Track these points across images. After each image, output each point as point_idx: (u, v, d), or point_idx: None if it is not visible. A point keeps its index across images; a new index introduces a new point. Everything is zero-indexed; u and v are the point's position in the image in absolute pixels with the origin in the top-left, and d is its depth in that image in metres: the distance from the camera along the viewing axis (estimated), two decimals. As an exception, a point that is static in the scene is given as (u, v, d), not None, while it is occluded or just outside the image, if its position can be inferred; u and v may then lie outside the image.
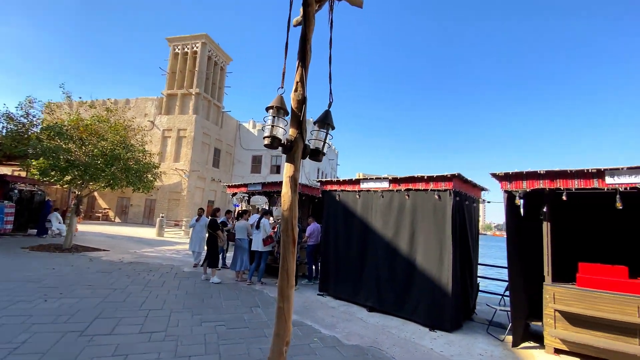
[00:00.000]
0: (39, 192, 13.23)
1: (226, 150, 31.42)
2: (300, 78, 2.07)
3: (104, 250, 10.61)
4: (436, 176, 5.15)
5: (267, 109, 2.12)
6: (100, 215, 26.75)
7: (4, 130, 9.30)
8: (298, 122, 2.07)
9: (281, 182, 7.25)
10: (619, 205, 3.70)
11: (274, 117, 2.08)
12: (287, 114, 2.16)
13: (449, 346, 4.33)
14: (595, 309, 4.01)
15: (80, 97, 10.55)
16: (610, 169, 3.79)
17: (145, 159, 11.41)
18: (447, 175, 5.04)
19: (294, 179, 2.05)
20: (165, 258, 10.07)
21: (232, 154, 32.47)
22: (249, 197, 10.11)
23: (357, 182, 6.21)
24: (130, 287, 6.18)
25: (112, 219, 26.90)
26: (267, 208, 8.68)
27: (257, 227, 7.25)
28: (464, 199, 5.50)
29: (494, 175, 4.67)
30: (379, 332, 4.67)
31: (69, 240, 10.09)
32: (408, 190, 5.51)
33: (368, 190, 6.06)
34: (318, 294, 6.59)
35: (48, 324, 3.94)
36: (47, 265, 7.51)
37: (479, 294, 6.28)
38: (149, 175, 11.35)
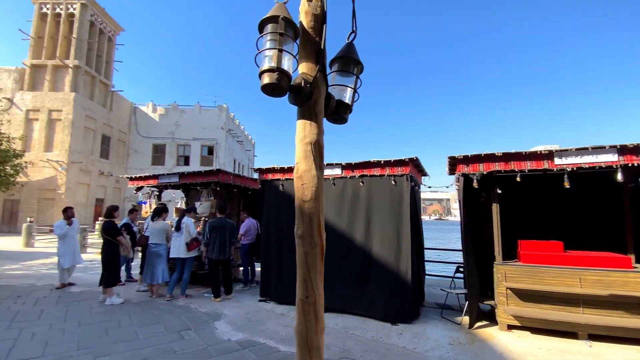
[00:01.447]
0: None
1: (118, 137, 26.40)
2: (320, -20, 1.24)
3: None
4: (393, 161, 4.82)
5: (264, 23, 1.20)
6: None
7: None
8: (317, 51, 1.24)
9: (204, 172, 5.93)
10: (566, 184, 3.93)
11: (280, 34, 1.17)
12: (297, 36, 1.28)
13: (418, 340, 4.07)
14: (543, 284, 4.27)
15: None
16: (559, 150, 4.01)
17: (1, 144, 8.31)
18: (404, 159, 4.76)
19: (318, 147, 1.23)
20: (40, 276, 7.55)
21: (126, 143, 27.47)
22: (160, 192, 8.31)
23: (305, 169, 5.49)
24: (-20, 328, 4.17)
25: (-54, 229, 19.79)
26: (189, 205, 7.18)
27: (178, 228, 5.85)
28: (415, 184, 5.36)
29: (452, 158, 4.57)
30: (342, 337, 4.12)
31: None
32: (362, 176, 5.06)
33: (317, 178, 5.40)
34: (260, 300, 5.69)
35: None
36: None
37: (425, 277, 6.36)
38: (8, 168, 8.32)
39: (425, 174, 6.22)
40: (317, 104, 1.25)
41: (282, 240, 5.62)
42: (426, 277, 6.42)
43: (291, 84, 1.22)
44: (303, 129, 1.26)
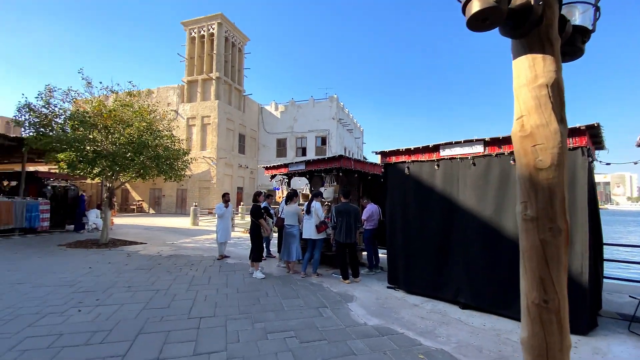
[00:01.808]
0: (72, 187, 12.96)
1: (250, 135, 30.64)
2: None
3: (141, 243, 10.10)
4: (561, 130, 3.79)
5: None
6: (134, 207, 27.11)
7: (27, 123, 8.75)
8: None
9: (327, 159, 5.99)
10: None
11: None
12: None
13: (602, 358, 3.14)
14: None
15: (100, 82, 9.83)
16: None
17: (174, 145, 10.64)
18: (579, 127, 3.67)
19: (558, 90, 0.88)
20: (205, 249, 9.39)
21: (256, 139, 31.67)
22: (289, 179, 9.10)
23: (436, 149, 4.95)
24: (173, 286, 5.40)
25: (147, 210, 27.21)
26: (315, 190, 7.58)
27: (308, 212, 6.22)
28: (592, 160, 4.13)
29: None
30: (495, 341, 3.54)
31: (105, 234, 9.63)
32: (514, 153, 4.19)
33: (452, 159, 4.79)
34: (389, 287, 5.53)
35: (80, 347, 3.13)
36: (83, 264, 6.94)
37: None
38: (179, 163, 10.61)
39: (602, 147, 4.74)
40: (551, 28, 0.88)
41: (409, 227, 5.28)
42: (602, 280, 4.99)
43: (510, 6, 0.89)
44: (532, 67, 0.91)
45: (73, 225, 12.60)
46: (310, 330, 3.68)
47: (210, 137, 25.84)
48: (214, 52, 26.63)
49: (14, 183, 13.26)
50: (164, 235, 12.50)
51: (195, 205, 17.28)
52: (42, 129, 8.88)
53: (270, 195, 7.97)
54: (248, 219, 19.49)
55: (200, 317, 4.00)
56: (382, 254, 7.42)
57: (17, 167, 13.42)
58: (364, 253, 7.20)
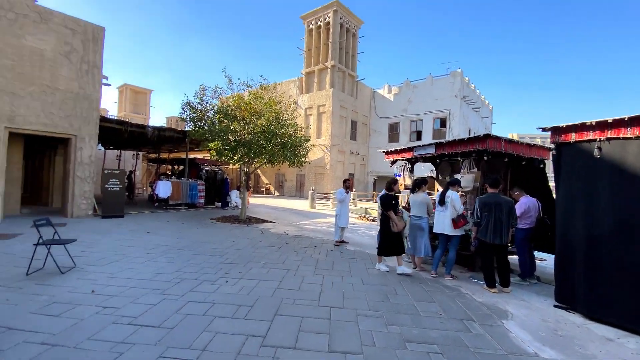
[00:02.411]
0: (219, 171, 15.41)
1: (362, 121, 30.32)
2: None
3: (270, 222, 11.14)
4: None
5: None
6: (263, 189, 30.88)
7: (188, 118, 10.66)
8: None
9: (467, 140, 4.55)
10: None
11: None
12: None
13: None
14: None
15: (239, 79, 11.09)
16: None
17: (297, 133, 11.19)
18: None
19: None
20: (325, 232, 9.61)
21: (367, 125, 31.15)
22: (412, 166, 8.27)
23: (657, 119, 3.36)
24: (301, 267, 5.53)
25: (273, 193, 30.60)
26: (453, 178, 6.57)
27: (442, 202, 5.36)
28: None
29: None
30: None
31: (244, 212, 11.00)
32: None
33: (691, 133, 3.15)
34: (556, 306, 4.24)
35: (229, 320, 3.34)
36: (228, 237, 7.97)
37: None
38: (301, 149, 11.12)
39: None
40: None
41: (598, 229, 3.84)
42: None
43: None
44: None
45: (220, 203, 15.04)
46: (459, 348, 3.01)
47: (325, 125, 26.78)
48: (330, 40, 27.10)
49: (181, 167, 16.73)
50: (288, 215, 13.56)
51: (313, 190, 18.22)
52: (198, 122, 10.64)
53: (395, 182, 7.36)
54: (360, 205, 19.43)
55: (330, 307, 3.83)
56: (538, 260, 5.93)
57: (183, 155, 16.83)
58: (514, 257, 5.86)
